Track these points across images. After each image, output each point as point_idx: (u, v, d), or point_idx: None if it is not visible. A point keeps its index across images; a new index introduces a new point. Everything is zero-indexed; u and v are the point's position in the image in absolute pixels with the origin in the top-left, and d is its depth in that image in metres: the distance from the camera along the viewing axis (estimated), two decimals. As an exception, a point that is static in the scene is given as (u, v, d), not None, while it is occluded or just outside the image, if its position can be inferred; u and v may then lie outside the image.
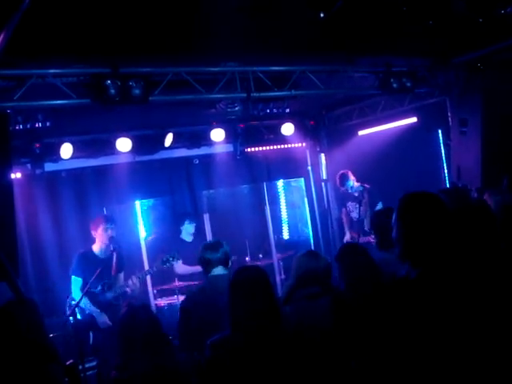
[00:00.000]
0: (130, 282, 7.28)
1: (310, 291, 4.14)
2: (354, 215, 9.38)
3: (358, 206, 8.97)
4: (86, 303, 7.08)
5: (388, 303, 2.69)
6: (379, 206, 9.09)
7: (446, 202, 6.06)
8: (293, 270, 4.37)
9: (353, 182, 9.26)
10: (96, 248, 7.34)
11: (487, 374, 2.47)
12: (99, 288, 7.20)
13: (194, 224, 9.01)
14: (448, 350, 2.48)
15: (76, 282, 7.23)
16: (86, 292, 6.90)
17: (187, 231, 8.93)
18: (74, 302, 7.04)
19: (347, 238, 9.60)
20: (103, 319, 7.15)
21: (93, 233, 7.37)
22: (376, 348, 2.74)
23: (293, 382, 3.43)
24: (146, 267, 8.42)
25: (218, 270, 5.02)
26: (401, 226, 2.74)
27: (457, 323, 2.50)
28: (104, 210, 8.81)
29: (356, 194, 9.19)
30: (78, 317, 7.07)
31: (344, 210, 9.76)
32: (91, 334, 7.19)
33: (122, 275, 7.50)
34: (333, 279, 4.57)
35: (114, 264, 7.21)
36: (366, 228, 9.10)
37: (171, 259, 7.55)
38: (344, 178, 9.30)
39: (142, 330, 3.99)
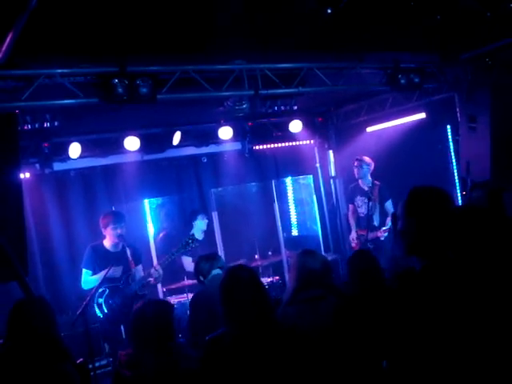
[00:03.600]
0: (152, 271, 7.29)
1: (312, 294, 4.12)
2: (362, 211, 9.25)
3: (367, 200, 8.90)
4: (95, 280, 7.13)
5: (394, 297, 2.70)
6: (389, 204, 9.02)
7: (479, 194, 6.00)
8: (292, 271, 4.35)
9: (368, 167, 9.14)
10: (107, 243, 7.41)
11: (487, 371, 2.46)
12: (123, 281, 7.26)
13: (207, 221, 9.00)
14: (451, 347, 2.47)
15: (86, 274, 7.33)
16: (112, 287, 7.07)
17: (199, 227, 8.88)
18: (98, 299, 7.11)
19: (353, 235, 9.49)
20: (111, 269, 7.05)
21: (102, 229, 7.41)
22: (385, 345, 2.73)
23: (287, 378, 3.43)
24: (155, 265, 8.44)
25: (216, 271, 5.27)
26: (409, 219, 2.73)
27: (460, 318, 2.48)
28: (113, 208, 8.82)
29: (366, 188, 9.07)
30: (99, 314, 7.15)
31: (351, 206, 9.65)
32: (122, 327, 7.21)
33: (140, 268, 7.52)
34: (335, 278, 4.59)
35: (129, 257, 7.26)
36: (375, 223, 9.05)
37: (190, 242, 7.49)
38: (362, 160, 9.17)
39: (150, 326, 4.00)
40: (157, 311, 4.10)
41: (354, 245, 9.42)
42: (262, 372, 3.40)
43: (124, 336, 7.15)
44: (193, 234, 7.66)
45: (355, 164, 9.26)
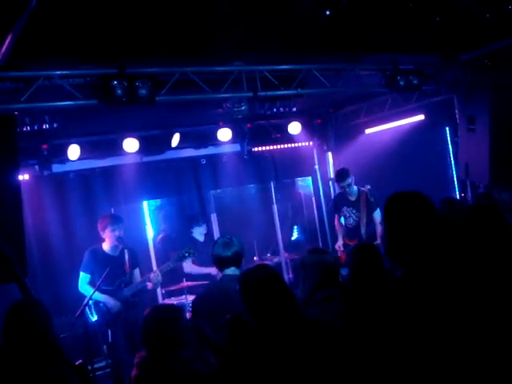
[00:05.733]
0: (152, 276, 7.25)
1: (330, 292, 4.05)
2: (351, 222, 8.74)
3: (354, 211, 8.59)
4: (96, 296, 7.06)
5: (379, 302, 2.73)
6: (377, 213, 8.45)
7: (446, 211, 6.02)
8: (307, 269, 4.20)
9: (352, 180, 8.53)
10: (106, 246, 7.36)
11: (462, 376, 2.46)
12: (115, 286, 7.22)
13: (204, 225, 8.89)
14: (424, 352, 2.47)
15: (83, 278, 7.29)
16: (102, 290, 7.00)
17: (199, 232, 8.87)
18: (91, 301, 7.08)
19: (339, 244, 8.91)
20: (112, 302, 7.14)
21: (101, 233, 7.38)
22: (374, 347, 2.74)
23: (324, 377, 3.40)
24: (154, 267, 8.42)
25: (231, 271, 4.96)
26: (386, 225, 2.77)
27: (438, 323, 2.49)
28: (112, 210, 8.81)
29: (353, 199, 8.66)
30: (95, 317, 7.12)
31: (337, 216, 9.09)
32: (109, 331, 7.19)
33: (137, 271, 7.50)
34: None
35: (126, 261, 7.24)
36: (362, 233, 8.58)
37: (187, 254, 7.47)
38: (345, 173, 8.51)
39: (157, 332, 4.01)
40: (164, 317, 4.10)
41: (339, 254, 8.79)
42: (301, 371, 3.36)
43: (110, 340, 7.02)
44: (190, 247, 7.60)
45: (336, 179, 8.73)
